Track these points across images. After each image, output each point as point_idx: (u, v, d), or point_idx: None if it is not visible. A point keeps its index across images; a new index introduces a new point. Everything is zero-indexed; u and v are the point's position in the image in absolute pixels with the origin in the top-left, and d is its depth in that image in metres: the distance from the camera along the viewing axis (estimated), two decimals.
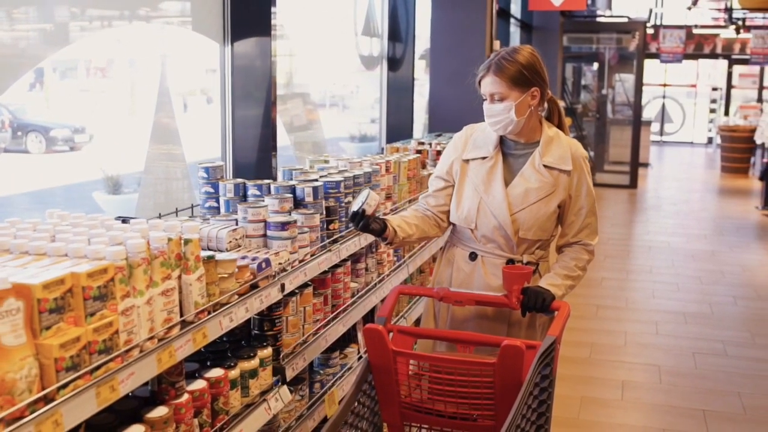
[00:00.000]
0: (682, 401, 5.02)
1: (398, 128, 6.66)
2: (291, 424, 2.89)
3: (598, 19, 16.12)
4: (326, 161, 4.01)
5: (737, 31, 19.38)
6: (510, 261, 2.95)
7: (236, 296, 2.39)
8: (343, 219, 3.32)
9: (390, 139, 6.51)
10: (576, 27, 14.80)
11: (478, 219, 2.93)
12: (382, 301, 3.86)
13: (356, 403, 2.67)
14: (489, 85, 2.86)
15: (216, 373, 2.36)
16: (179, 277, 2.12)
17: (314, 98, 5.88)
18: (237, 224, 2.79)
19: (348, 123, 7.14)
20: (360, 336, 3.66)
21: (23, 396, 1.58)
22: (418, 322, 4.58)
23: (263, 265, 2.56)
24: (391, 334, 2.76)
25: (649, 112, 22.00)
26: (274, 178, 3.96)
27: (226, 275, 2.33)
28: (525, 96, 2.85)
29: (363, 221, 2.67)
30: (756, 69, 21.44)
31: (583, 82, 16.56)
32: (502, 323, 2.96)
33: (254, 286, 2.51)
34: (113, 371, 1.81)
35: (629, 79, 15.57)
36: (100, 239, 1.98)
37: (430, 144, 5.30)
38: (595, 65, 16.05)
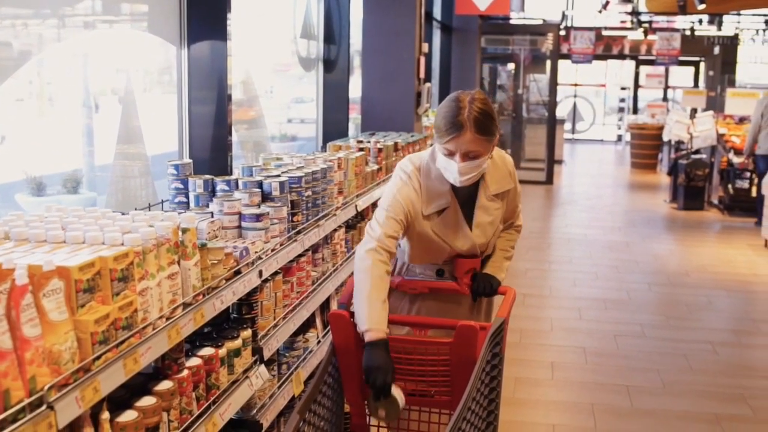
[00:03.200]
0: (607, 379, 5.42)
1: (334, 127, 6.90)
2: (265, 401, 3.11)
3: (515, 22, 16.65)
4: (279, 158, 4.23)
5: (645, 33, 20.26)
6: None
7: (224, 281, 2.61)
8: (305, 212, 3.56)
9: (326, 138, 6.74)
10: (493, 29, 15.26)
11: (446, 258, 3.07)
12: (337, 289, 4.11)
13: (323, 384, 2.89)
14: (468, 143, 2.78)
15: (208, 351, 2.58)
16: (178, 262, 2.33)
17: (257, 97, 6.07)
18: (213, 217, 2.99)
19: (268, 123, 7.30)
20: (318, 321, 3.90)
21: (67, 365, 1.77)
22: None
23: (244, 252, 2.79)
24: (352, 319, 2.97)
25: (560, 111, 22.76)
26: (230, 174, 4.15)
27: (216, 261, 2.55)
28: (493, 146, 2.91)
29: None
30: (661, 69, 22.40)
31: (498, 82, 17.09)
32: (464, 308, 3.19)
33: (237, 272, 2.73)
34: (135, 345, 2.02)
35: (543, 79, 16.17)
36: (112, 228, 2.17)
37: (369, 142, 5.57)
38: (511, 66, 16.58)
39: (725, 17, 19.66)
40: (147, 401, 2.18)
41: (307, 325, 3.78)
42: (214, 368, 2.57)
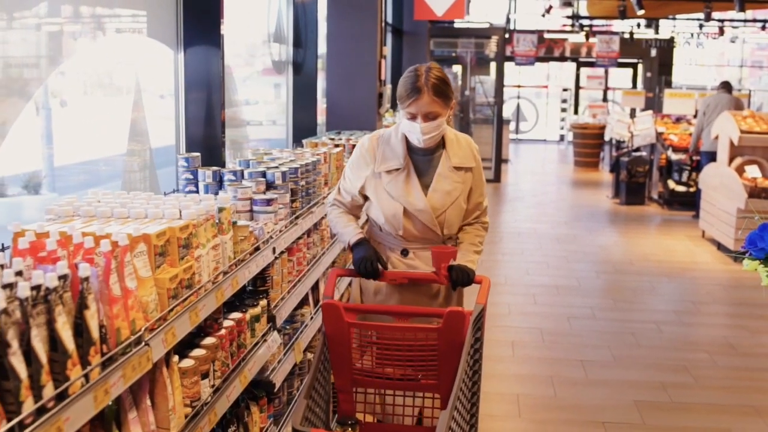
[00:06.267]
0: (563, 354, 5.93)
1: (303, 126, 7.29)
2: (275, 365, 3.51)
3: (463, 25, 17.17)
4: (268, 153, 4.61)
5: (586, 36, 21.01)
6: None
7: (248, 255, 3.01)
8: (301, 199, 3.96)
9: (296, 136, 7.13)
10: (443, 32, 15.76)
11: (405, 224, 3.28)
12: (324, 272, 4.51)
13: (318, 372, 3.00)
14: (426, 105, 3.12)
15: (237, 315, 2.97)
16: (217, 236, 2.72)
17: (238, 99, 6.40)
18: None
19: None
20: (311, 299, 4.30)
21: (153, 314, 2.16)
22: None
23: (260, 232, 3.19)
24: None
25: (505, 112, 23.36)
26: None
27: (243, 238, 2.95)
28: (449, 109, 3.23)
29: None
30: (601, 71, 23.21)
31: None
32: (438, 301, 3.46)
33: (256, 249, 3.13)
34: (195, 302, 2.41)
35: (488, 80, 16.74)
36: (166, 206, 2.56)
37: (341, 139, 5.99)
38: (458, 68, 17.10)
39: (662, 21, 20.53)
40: (199, 352, 2.57)
41: (302, 303, 4.18)
42: (243, 329, 2.97)
